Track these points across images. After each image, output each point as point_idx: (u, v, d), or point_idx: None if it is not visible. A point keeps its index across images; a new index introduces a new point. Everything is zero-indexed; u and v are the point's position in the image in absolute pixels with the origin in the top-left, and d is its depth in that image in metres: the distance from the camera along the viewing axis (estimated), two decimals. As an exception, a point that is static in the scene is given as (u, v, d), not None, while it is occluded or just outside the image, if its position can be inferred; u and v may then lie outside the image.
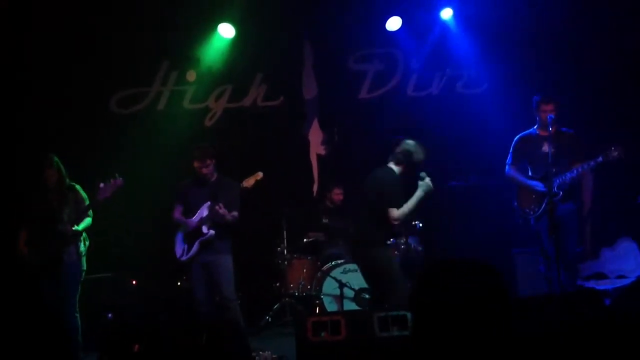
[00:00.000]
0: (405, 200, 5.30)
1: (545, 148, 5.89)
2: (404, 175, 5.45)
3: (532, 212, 6.02)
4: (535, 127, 6.18)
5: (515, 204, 6.22)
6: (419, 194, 5.30)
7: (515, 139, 6.30)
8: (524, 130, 6.35)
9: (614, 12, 7.77)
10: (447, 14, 8.20)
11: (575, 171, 5.82)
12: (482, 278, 1.64)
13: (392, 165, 5.48)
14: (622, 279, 7.04)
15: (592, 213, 7.68)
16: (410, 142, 5.47)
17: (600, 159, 5.68)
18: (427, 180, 5.31)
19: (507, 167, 6.29)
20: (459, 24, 8.27)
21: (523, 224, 6.19)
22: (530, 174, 6.15)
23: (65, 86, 7.94)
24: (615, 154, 5.62)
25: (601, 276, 7.28)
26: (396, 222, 5.32)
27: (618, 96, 7.82)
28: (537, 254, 6.74)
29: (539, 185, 5.96)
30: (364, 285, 6.82)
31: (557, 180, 5.77)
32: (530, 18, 7.95)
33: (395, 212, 5.24)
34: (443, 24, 8.31)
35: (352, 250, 6.08)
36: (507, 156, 6.37)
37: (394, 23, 8.23)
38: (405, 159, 5.44)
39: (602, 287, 6.76)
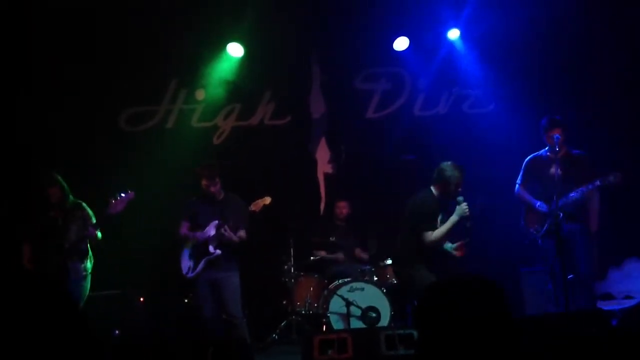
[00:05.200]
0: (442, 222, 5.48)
1: (554, 170, 5.95)
2: (443, 196, 5.57)
3: (535, 232, 6.11)
4: (546, 148, 6.22)
5: (522, 223, 6.29)
6: (453, 218, 5.41)
7: (526, 159, 6.36)
8: (531, 151, 6.39)
9: (622, 32, 7.80)
10: (454, 34, 8.25)
11: (577, 192, 5.88)
12: (485, 295, 1.66)
13: (432, 187, 5.62)
14: (629, 300, 7.01)
15: (599, 233, 7.65)
16: (446, 162, 5.58)
17: (598, 182, 5.76)
18: (464, 205, 5.39)
19: (517, 186, 6.37)
20: (466, 45, 8.31)
21: (530, 243, 6.21)
22: (539, 195, 6.21)
23: (75, 103, 8.02)
24: (611, 179, 5.69)
25: (608, 297, 7.26)
26: (430, 245, 5.44)
27: (628, 115, 7.82)
28: (545, 273, 6.73)
29: (542, 207, 6.04)
30: (371, 303, 6.85)
31: (561, 202, 5.81)
32: (537, 39, 7.98)
33: (429, 236, 5.41)
34: (450, 44, 8.36)
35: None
36: (515, 176, 6.41)
37: (401, 43, 8.28)
38: (439, 178, 5.54)
39: (609, 308, 6.73)
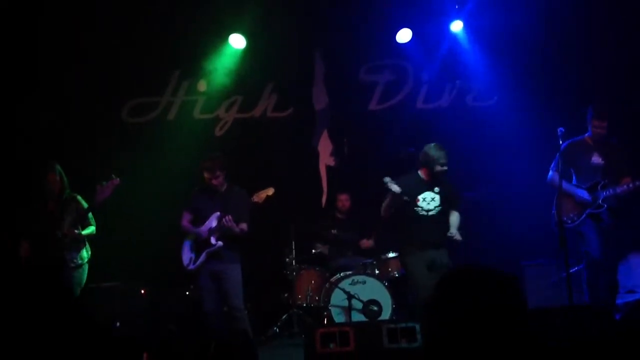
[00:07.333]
0: None
1: (595, 158, 5.93)
2: (430, 178, 5.68)
3: (570, 221, 5.95)
4: (584, 135, 6.12)
5: (554, 211, 6.00)
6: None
7: (564, 144, 5.95)
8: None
9: (627, 22, 7.74)
10: (457, 26, 8.19)
11: (625, 186, 5.79)
12: (501, 288, 1.63)
13: (419, 171, 5.73)
14: (631, 294, 6.98)
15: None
16: (429, 144, 5.66)
17: None
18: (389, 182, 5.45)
19: (550, 172, 6.19)
20: (469, 37, 8.26)
21: (557, 232, 6.10)
22: (574, 182, 6.10)
23: (77, 95, 8.00)
24: None
25: (612, 291, 7.22)
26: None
27: (633, 106, 7.76)
28: (545, 266, 6.74)
29: (584, 194, 5.92)
30: (372, 297, 6.85)
31: (606, 193, 5.80)
32: (541, 31, 7.94)
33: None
34: (453, 36, 8.31)
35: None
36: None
37: (404, 35, 8.24)
38: (423, 160, 5.65)
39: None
